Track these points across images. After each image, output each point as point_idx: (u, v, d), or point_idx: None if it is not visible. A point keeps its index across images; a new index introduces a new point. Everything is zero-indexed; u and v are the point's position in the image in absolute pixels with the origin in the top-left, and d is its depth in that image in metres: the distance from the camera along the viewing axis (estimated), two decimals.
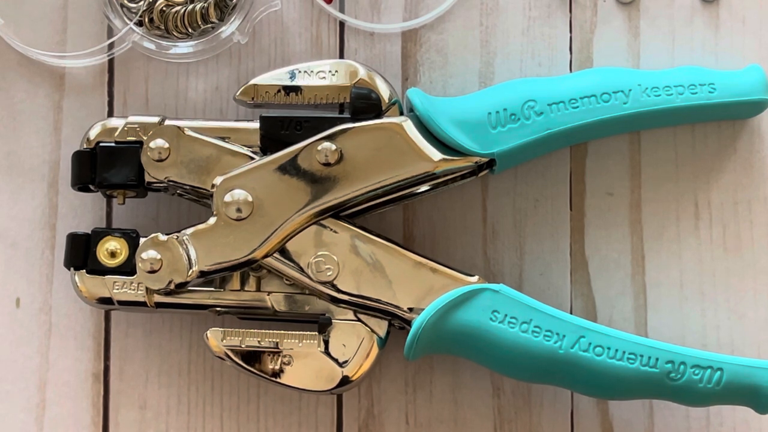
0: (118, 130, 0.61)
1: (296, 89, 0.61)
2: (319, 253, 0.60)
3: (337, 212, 0.60)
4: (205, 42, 0.63)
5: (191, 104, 0.64)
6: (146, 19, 0.63)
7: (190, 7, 0.63)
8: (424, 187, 0.61)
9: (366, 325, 0.60)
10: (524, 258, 0.63)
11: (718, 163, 0.64)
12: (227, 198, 0.59)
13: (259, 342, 0.59)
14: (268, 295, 0.60)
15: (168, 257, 0.59)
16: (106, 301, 0.60)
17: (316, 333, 0.59)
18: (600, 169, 0.64)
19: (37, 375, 0.63)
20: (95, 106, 0.64)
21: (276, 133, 0.60)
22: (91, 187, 0.61)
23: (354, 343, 0.59)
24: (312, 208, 0.60)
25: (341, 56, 0.64)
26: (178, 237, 0.60)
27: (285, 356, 0.59)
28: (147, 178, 0.60)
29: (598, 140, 0.63)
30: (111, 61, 0.64)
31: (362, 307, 0.60)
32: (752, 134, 0.64)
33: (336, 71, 0.61)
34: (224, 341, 0.59)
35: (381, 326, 0.60)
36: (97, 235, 0.61)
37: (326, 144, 0.59)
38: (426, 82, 0.64)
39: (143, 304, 0.60)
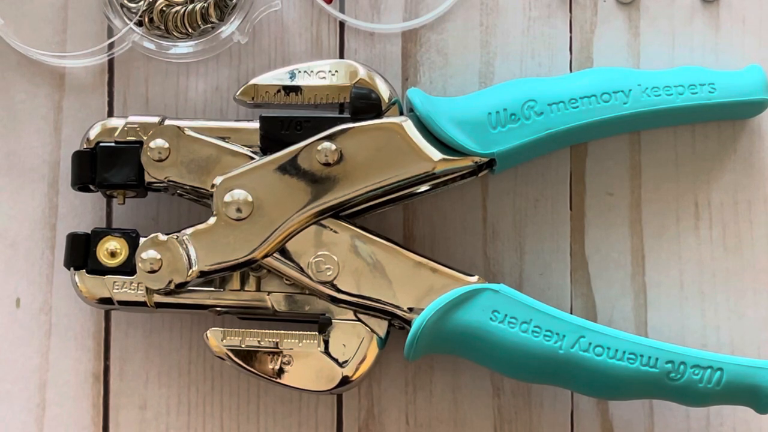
0: (118, 130, 0.61)
1: (296, 89, 0.61)
2: (319, 253, 0.60)
3: (337, 212, 0.60)
4: (205, 42, 0.63)
5: (191, 104, 0.64)
6: (146, 19, 0.63)
7: (190, 7, 0.63)
8: (424, 187, 0.61)
9: (366, 325, 0.60)
10: (524, 258, 0.63)
11: (718, 163, 0.64)
12: (227, 198, 0.59)
13: (259, 342, 0.59)
14: (268, 295, 0.60)
15: (168, 257, 0.59)
16: (106, 301, 0.60)
17: (316, 333, 0.59)
18: (600, 169, 0.64)
19: (37, 375, 0.63)
20: (95, 106, 0.64)
21: (276, 133, 0.60)
22: (91, 187, 0.61)
23: (354, 343, 0.59)
24: (312, 208, 0.60)
25: (341, 56, 0.64)
26: (178, 237, 0.60)
27: (285, 356, 0.59)
28: (147, 178, 0.60)
29: (598, 140, 0.63)
30: (111, 61, 0.64)
31: (362, 307, 0.59)
32: (752, 134, 0.64)
33: (336, 71, 0.61)
34: (224, 341, 0.59)
35: (381, 326, 0.60)
36: (97, 235, 0.61)
37: (326, 144, 0.59)
38: (426, 82, 0.64)
39: (143, 304, 0.60)
